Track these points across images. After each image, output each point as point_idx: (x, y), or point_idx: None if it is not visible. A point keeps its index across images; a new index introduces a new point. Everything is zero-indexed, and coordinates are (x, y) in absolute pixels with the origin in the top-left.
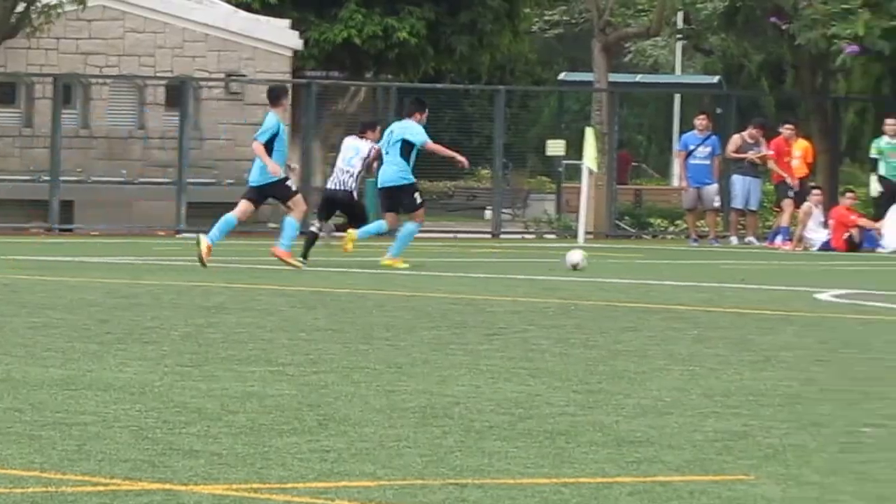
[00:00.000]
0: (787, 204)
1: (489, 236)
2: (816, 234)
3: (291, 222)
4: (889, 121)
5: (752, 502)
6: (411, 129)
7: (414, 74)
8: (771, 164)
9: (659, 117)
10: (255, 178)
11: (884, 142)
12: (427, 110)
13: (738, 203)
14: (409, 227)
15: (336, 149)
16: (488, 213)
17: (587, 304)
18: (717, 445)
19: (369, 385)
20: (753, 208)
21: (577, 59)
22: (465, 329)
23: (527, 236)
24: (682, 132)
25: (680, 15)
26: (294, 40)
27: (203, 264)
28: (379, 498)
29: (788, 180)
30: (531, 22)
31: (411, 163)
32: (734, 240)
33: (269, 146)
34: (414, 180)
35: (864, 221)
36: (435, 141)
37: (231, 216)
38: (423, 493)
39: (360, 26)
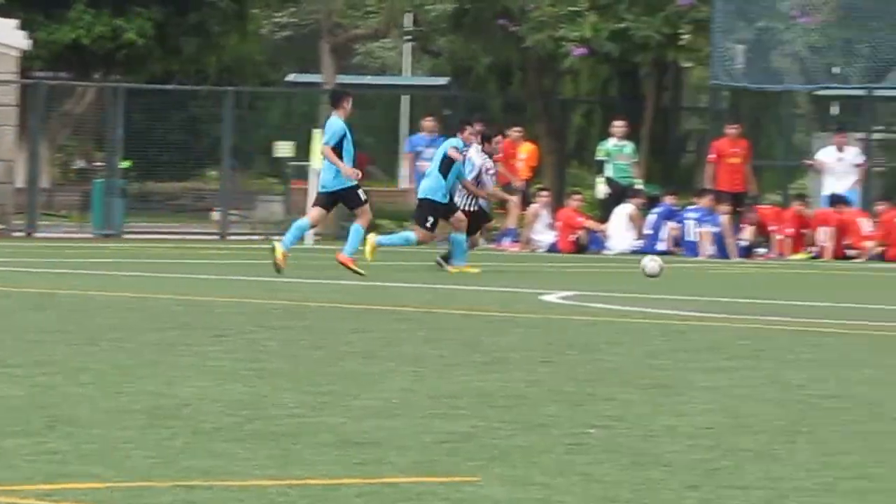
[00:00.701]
0: (514, 206)
1: (217, 237)
2: (543, 235)
3: (357, 229)
4: (616, 123)
5: None
6: (448, 144)
7: (142, 75)
8: (498, 167)
9: (387, 119)
10: (326, 183)
11: (611, 144)
12: (469, 128)
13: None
14: (455, 237)
15: (63, 150)
16: (216, 215)
17: (315, 306)
18: (445, 447)
19: (97, 387)
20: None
21: (306, 60)
22: (192, 330)
23: (254, 238)
24: (410, 134)
25: (409, 16)
26: (21, 40)
27: (278, 271)
28: (106, 500)
29: (515, 182)
30: (260, 24)
31: (448, 180)
32: None
33: (337, 149)
34: (443, 202)
35: (590, 223)
36: (163, 142)
37: (304, 221)
38: (151, 494)
39: (88, 27)
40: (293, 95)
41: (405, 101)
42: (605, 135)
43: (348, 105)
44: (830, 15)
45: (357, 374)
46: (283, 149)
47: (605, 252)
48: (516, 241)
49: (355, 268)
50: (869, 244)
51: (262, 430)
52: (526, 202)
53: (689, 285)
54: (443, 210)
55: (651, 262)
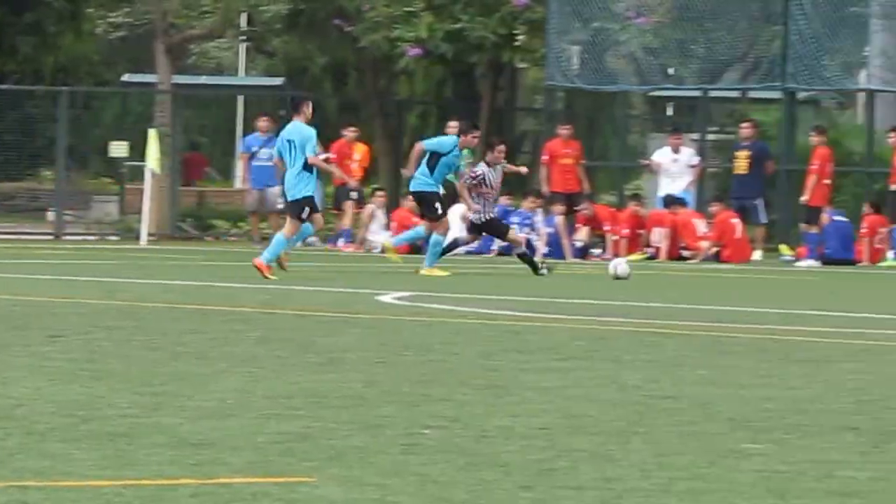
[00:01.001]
0: (349, 206)
1: (52, 238)
2: (379, 236)
3: (280, 240)
4: (451, 123)
5: None
6: (437, 141)
7: None
8: (332, 167)
9: (222, 119)
10: (292, 191)
11: None
12: (474, 132)
13: None
14: (433, 237)
15: None
16: (51, 215)
17: (150, 306)
18: (280, 447)
19: None
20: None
21: (141, 60)
22: (27, 331)
23: (89, 238)
24: (245, 134)
25: (244, 17)
26: None
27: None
28: None
29: (350, 183)
30: (95, 23)
31: (435, 171)
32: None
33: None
34: (435, 189)
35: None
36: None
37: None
38: None
39: None
40: (128, 95)
41: (240, 101)
42: (441, 135)
43: (308, 110)
44: (665, 16)
45: (192, 375)
46: (118, 149)
47: None
48: (351, 242)
49: (269, 275)
50: (704, 245)
51: (97, 430)
52: (361, 203)
53: (524, 286)
54: (438, 196)
55: (621, 265)
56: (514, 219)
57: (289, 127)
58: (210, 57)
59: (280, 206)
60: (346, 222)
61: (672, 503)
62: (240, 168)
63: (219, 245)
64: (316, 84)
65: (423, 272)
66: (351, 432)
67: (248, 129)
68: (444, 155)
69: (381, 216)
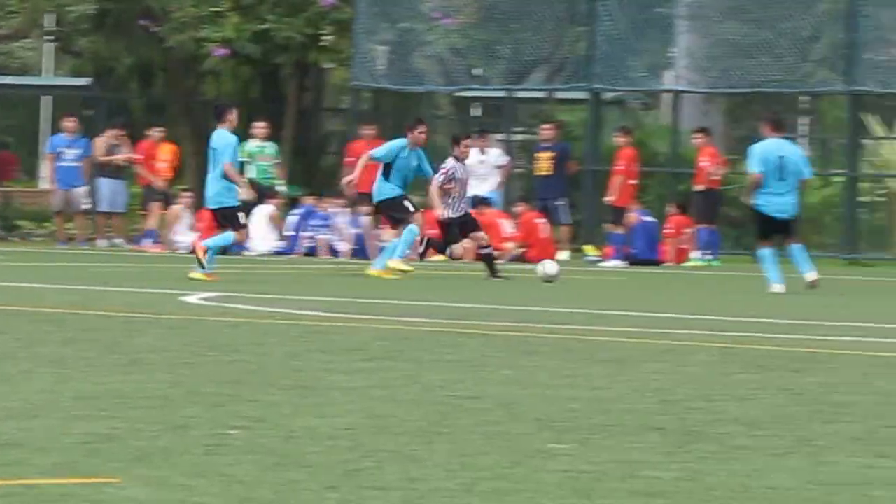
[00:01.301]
0: (155, 206)
1: None
2: (185, 237)
3: (228, 237)
4: (258, 124)
5: None
6: (386, 149)
7: None
8: (138, 168)
9: (28, 119)
10: (210, 200)
11: (252, 145)
12: (420, 127)
13: (104, 206)
14: (408, 228)
15: None
16: None
17: None
18: (86, 448)
19: None
20: (120, 210)
21: None
22: None
23: None
24: (52, 134)
25: (51, 17)
26: None
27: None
28: None
29: (156, 183)
30: None
31: (391, 177)
32: (102, 242)
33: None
34: (398, 192)
35: None
36: None
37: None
38: None
39: None
40: None
41: (46, 101)
42: (247, 136)
43: (233, 117)
44: (471, 16)
45: None
46: None
47: (247, 253)
48: (157, 243)
49: (203, 257)
50: (509, 245)
51: None
52: (167, 203)
53: (328, 286)
54: (403, 197)
55: (550, 267)
56: (315, 221)
57: (213, 135)
58: (15, 57)
59: (85, 207)
60: (152, 223)
61: (476, 503)
62: (46, 168)
63: (24, 245)
64: (123, 84)
65: (389, 264)
66: (156, 433)
67: (55, 129)
68: (395, 160)
69: (187, 217)
